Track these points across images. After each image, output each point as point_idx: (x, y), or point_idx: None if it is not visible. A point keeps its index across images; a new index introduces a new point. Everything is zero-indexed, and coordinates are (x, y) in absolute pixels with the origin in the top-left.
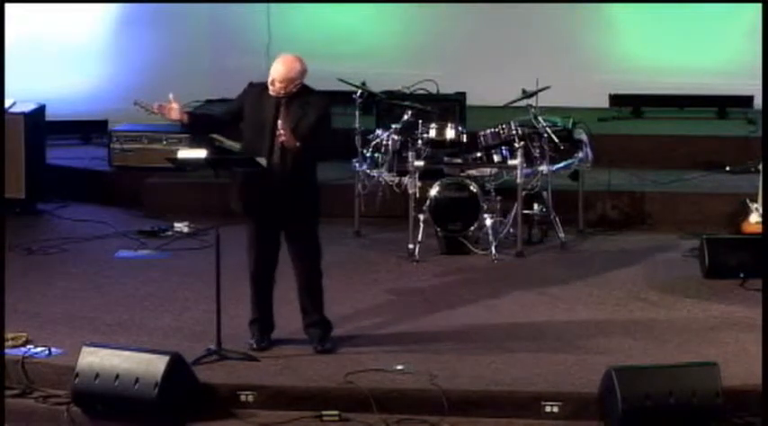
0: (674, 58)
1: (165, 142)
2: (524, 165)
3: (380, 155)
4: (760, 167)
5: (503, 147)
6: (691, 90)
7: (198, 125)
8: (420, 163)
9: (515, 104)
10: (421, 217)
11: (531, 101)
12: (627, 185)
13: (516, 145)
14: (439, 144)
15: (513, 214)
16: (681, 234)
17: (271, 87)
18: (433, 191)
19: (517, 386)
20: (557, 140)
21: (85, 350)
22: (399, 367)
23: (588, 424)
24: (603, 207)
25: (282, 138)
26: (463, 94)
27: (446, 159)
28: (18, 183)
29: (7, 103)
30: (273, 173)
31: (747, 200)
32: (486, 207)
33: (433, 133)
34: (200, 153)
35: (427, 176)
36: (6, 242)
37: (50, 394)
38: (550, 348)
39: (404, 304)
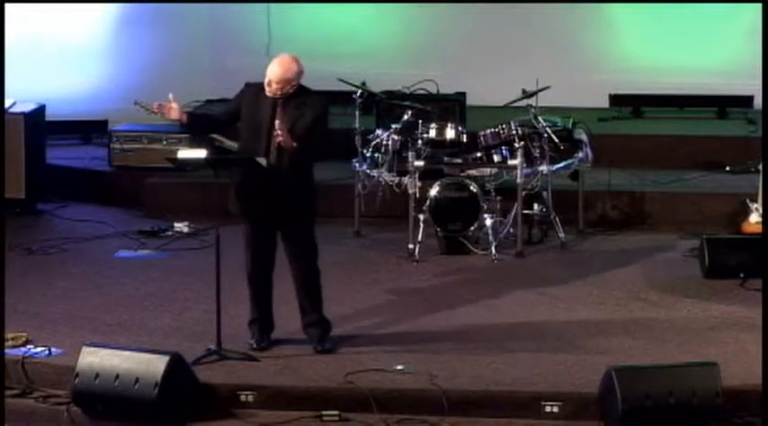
0: (674, 58)
1: (165, 142)
2: (524, 165)
3: (380, 155)
4: (760, 167)
5: (503, 147)
6: (691, 90)
7: (197, 125)
8: (420, 163)
9: (515, 104)
10: (421, 217)
11: (531, 101)
12: (627, 185)
13: (516, 145)
14: (439, 144)
15: (513, 214)
16: (681, 234)
17: (267, 88)
18: (433, 191)
19: (517, 386)
20: (557, 140)
21: (85, 350)
22: (399, 367)
23: (588, 424)
24: (603, 207)
25: (280, 139)
26: (463, 94)
27: (446, 159)
28: (18, 183)
29: (7, 103)
30: (270, 174)
31: (747, 200)
32: (486, 207)
33: (433, 133)
34: (200, 153)
35: (427, 176)
36: (6, 242)
37: (50, 394)
38: (550, 348)
39: (404, 304)
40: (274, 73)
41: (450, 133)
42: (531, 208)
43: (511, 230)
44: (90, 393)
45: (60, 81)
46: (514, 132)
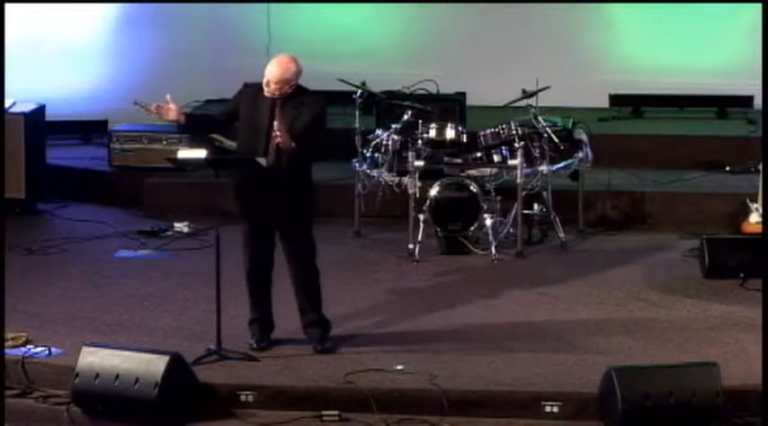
0: (674, 58)
1: (165, 142)
2: (524, 165)
3: (380, 155)
4: (760, 167)
5: (503, 147)
6: (691, 90)
7: (195, 125)
8: (420, 163)
9: (515, 104)
10: (421, 217)
11: (531, 101)
12: (627, 185)
13: (516, 145)
14: (439, 144)
15: (513, 214)
16: (681, 234)
17: (266, 88)
18: (433, 191)
19: (517, 386)
20: (557, 140)
21: (85, 350)
22: (399, 367)
23: (588, 424)
24: (603, 207)
25: (278, 139)
26: (463, 94)
27: (446, 159)
28: (18, 183)
29: (7, 103)
30: (269, 174)
31: (747, 200)
32: (486, 207)
33: (433, 133)
34: (200, 153)
35: (427, 176)
36: (6, 242)
37: (50, 394)
38: (550, 348)
39: (404, 304)
40: (273, 73)
41: (450, 133)
42: (531, 208)
43: (511, 230)
44: (90, 393)
45: (60, 81)
46: (514, 132)
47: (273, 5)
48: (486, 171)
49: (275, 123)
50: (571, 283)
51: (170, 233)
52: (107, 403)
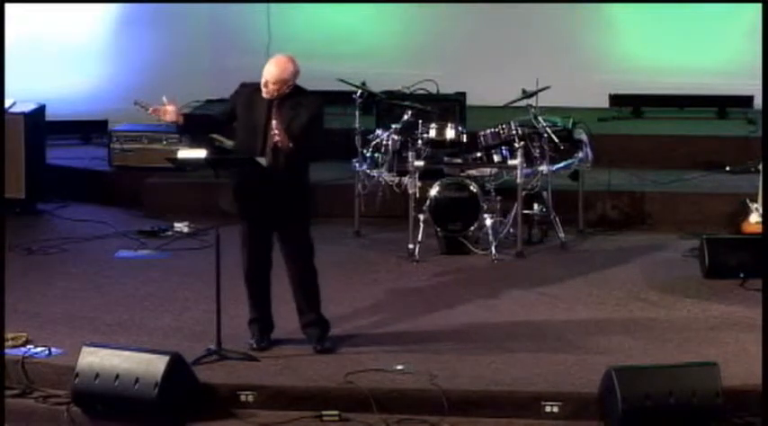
0: (674, 58)
1: (165, 142)
2: (524, 165)
3: (380, 155)
4: (760, 167)
5: (503, 147)
6: (691, 90)
7: (194, 127)
8: (420, 163)
9: (515, 104)
10: (421, 217)
11: (531, 101)
12: (627, 185)
13: (516, 145)
14: (439, 144)
15: (513, 214)
16: (681, 234)
17: (264, 89)
18: (433, 191)
19: (517, 386)
20: (557, 140)
21: (85, 350)
22: (399, 367)
23: (588, 424)
24: (603, 207)
25: (277, 139)
26: (463, 94)
27: (446, 159)
28: (18, 183)
29: (7, 103)
30: (267, 174)
31: (747, 200)
32: (486, 207)
33: (433, 133)
34: (200, 153)
35: (427, 176)
36: (6, 242)
37: (50, 394)
38: (550, 348)
39: (403, 304)
40: (271, 73)
41: (450, 133)
42: (531, 208)
43: (511, 230)
44: (90, 393)
45: (60, 81)
46: (514, 132)
47: (273, 5)
48: (486, 171)
49: (273, 123)
50: (571, 283)
51: (170, 233)
52: (107, 403)
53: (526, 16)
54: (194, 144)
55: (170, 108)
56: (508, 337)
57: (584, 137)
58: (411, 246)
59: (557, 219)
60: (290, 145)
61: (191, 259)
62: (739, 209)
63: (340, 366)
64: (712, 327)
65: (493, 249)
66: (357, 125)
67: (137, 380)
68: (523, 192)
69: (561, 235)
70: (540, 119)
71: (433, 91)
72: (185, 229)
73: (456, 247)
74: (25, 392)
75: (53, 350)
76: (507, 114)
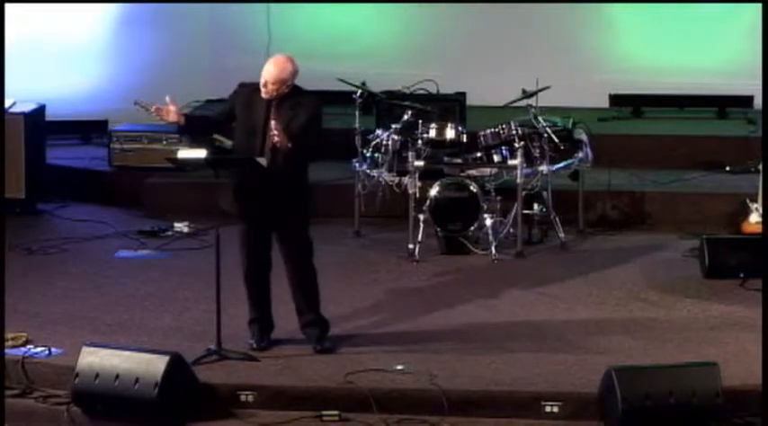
0: (674, 58)
1: (165, 142)
2: (524, 165)
3: (380, 155)
4: (760, 167)
5: (503, 147)
6: (691, 90)
7: (194, 127)
8: (420, 163)
9: (515, 104)
10: (421, 217)
11: (531, 101)
12: (627, 185)
13: (516, 145)
14: (439, 144)
15: (513, 214)
16: (681, 234)
17: (263, 89)
18: (433, 191)
19: (517, 386)
20: (557, 140)
21: (85, 350)
22: (399, 367)
23: (588, 424)
24: (603, 207)
25: (276, 139)
26: (463, 94)
27: (446, 159)
28: (18, 183)
29: (7, 103)
30: (266, 174)
31: (747, 200)
32: (486, 207)
33: (433, 133)
34: (200, 153)
35: (427, 176)
36: (6, 242)
37: (50, 394)
38: (550, 348)
39: (404, 304)
40: (270, 74)
41: (450, 133)
42: (531, 208)
43: (511, 230)
44: (90, 393)
45: (60, 81)
46: (514, 132)
47: (273, 5)
48: (486, 171)
49: (272, 123)
50: (571, 283)
51: (170, 233)
52: (107, 403)
53: (526, 16)
54: (194, 144)
55: (172, 108)
56: (508, 337)
57: (584, 137)
58: (411, 246)
59: (557, 219)
60: (289, 145)
61: (191, 259)
62: (739, 209)
63: (340, 366)
64: (712, 327)
65: (493, 249)
66: (357, 125)
67: (137, 380)
68: (523, 192)
69: (561, 235)
70: (540, 119)
71: (433, 91)
72: (185, 229)
73: (456, 247)
74: (25, 392)
75: (53, 350)
76: (507, 114)
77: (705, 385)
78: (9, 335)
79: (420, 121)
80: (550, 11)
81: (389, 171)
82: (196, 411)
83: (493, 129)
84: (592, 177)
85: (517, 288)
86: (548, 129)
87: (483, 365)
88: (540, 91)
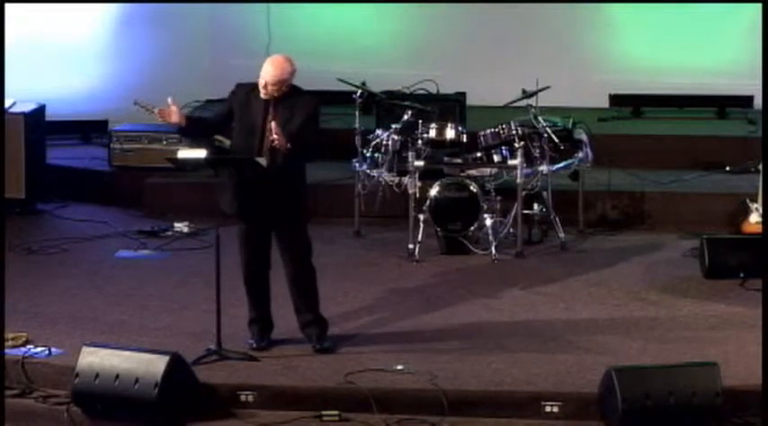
0: (674, 58)
1: (165, 142)
2: (524, 165)
3: (380, 155)
4: (760, 167)
5: (503, 147)
6: (691, 90)
7: (195, 128)
8: (420, 163)
9: (515, 104)
10: (421, 217)
11: (531, 101)
12: (627, 185)
13: (516, 145)
14: (439, 144)
15: (513, 214)
16: (681, 234)
17: (263, 90)
18: (433, 191)
19: (517, 386)
20: (557, 140)
21: (85, 350)
22: (399, 367)
23: (588, 424)
24: (603, 207)
25: (274, 139)
26: (463, 94)
27: (446, 159)
28: (18, 183)
29: (7, 103)
30: (265, 174)
31: (747, 200)
32: (486, 207)
33: (433, 133)
34: (200, 153)
35: (427, 176)
36: (6, 242)
37: (50, 394)
38: (550, 348)
39: (404, 304)
40: (269, 74)
41: (450, 133)
42: (531, 208)
43: (511, 230)
44: (90, 393)
45: (60, 81)
46: (514, 132)
47: (273, 5)
48: (486, 171)
49: (271, 123)
50: (571, 283)
51: (170, 233)
52: (107, 403)
53: (526, 16)
54: (195, 144)
55: (174, 109)
56: (508, 337)
57: (584, 137)
58: (411, 246)
59: (557, 219)
60: (288, 145)
61: (191, 259)
62: (739, 209)
63: (340, 366)
64: (712, 327)
65: (493, 249)
66: (357, 125)
67: (137, 380)
68: (523, 192)
69: (561, 235)
70: (540, 119)
71: (433, 91)
72: (185, 229)
73: (456, 247)
74: (25, 392)
75: (53, 350)
76: (507, 114)
77: (705, 385)
78: (9, 335)
79: (420, 121)
80: (550, 11)
81: (389, 171)
82: (196, 411)
83: (493, 129)
84: (592, 177)
85: (517, 288)
86: (548, 129)
87: (483, 365)
88: (540, 91)
